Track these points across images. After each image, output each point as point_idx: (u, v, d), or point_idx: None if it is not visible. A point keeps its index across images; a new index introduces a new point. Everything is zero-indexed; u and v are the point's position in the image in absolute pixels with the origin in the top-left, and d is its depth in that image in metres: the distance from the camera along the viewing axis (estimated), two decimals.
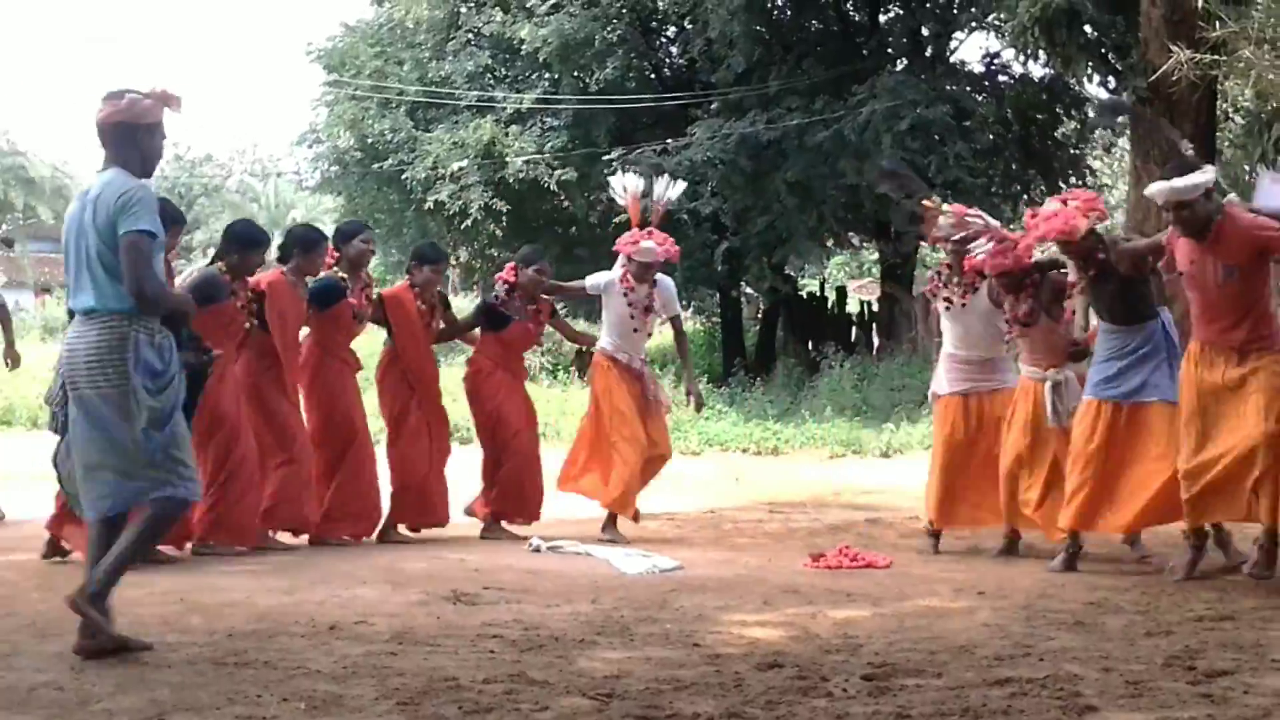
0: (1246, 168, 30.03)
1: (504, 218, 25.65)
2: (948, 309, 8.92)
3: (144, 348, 5.58)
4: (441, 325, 9.87)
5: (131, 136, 5.73)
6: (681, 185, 10.48)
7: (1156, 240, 7.80)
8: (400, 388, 9.68)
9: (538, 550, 8.92)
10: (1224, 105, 21.37)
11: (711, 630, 6.13)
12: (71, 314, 5.79)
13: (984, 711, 4.52)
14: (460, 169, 25.09)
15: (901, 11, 27.22)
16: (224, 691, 4.81)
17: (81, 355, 5.57)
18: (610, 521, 9.65)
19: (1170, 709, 4.54)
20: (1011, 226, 34.46)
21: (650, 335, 10.18)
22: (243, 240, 8.74)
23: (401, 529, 9.61)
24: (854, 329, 29.09)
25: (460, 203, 24.88)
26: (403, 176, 26.06)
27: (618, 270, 9.87)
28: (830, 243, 29.03)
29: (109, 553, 5.51)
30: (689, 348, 10.58)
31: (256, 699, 4.71)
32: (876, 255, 28.86)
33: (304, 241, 9.18)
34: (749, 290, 28.98)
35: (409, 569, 7.98)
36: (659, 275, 9.92)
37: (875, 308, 29.39)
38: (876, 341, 27.25)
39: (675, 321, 10.23)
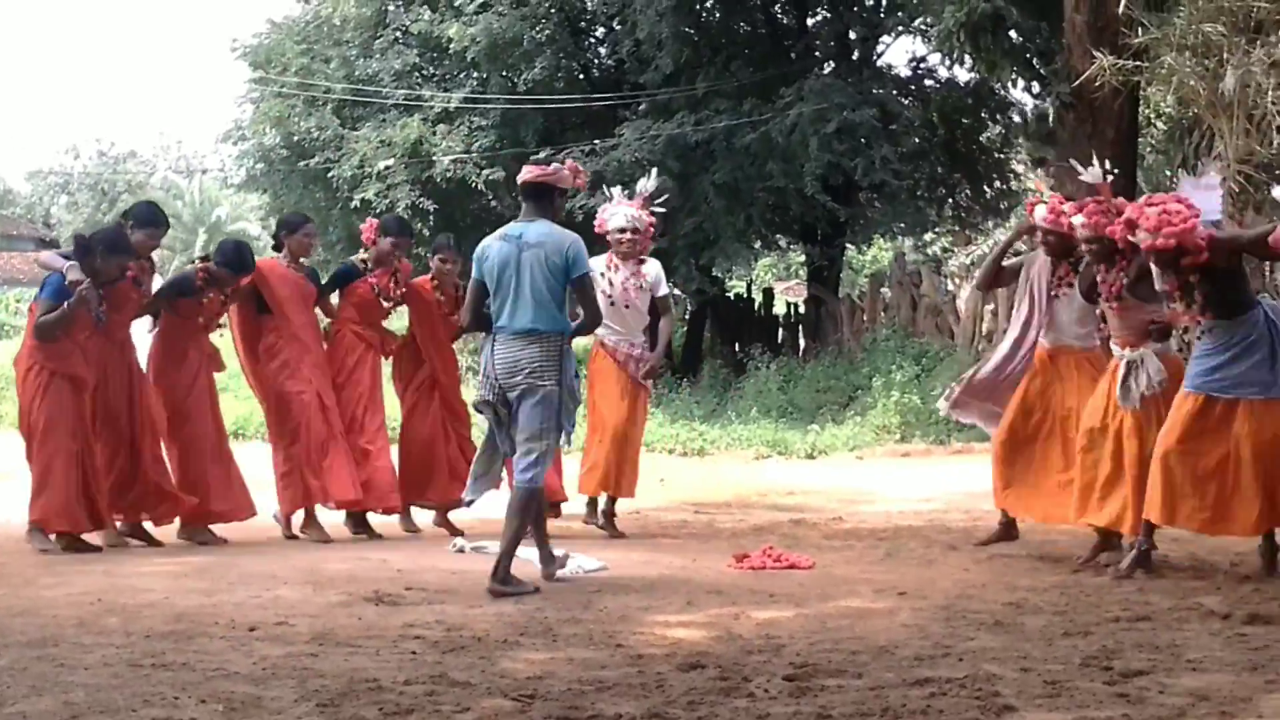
0: (1167, 172, 30.37)
1: (431, 217, 25.52)
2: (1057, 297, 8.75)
3: (570, 359, 7.38)
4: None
5: (550, 196, 7.48)
6: (653, 178, 10.44)
7: (1261, 232, 7.60)
8: (412, 371, 10.31)
9: (461, 551, 8.91)
10: (1146, 111, 21.63)
11: (635, 631, 6.13)
12: (484, 328, 7.46)
13: (904, 711, 4.55)
14: (387, 167, 24.95)
15: (829, 15, 27.37)
16: (140, 694, 4.76)
17: (525, 363, 7.23)
18: (600, 511, 10.11)
19: (1087, 709, 4.58)
20: (936, 231, 34.63)
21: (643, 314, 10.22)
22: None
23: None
24: (780, 330, 29.21)
25: (387, 201, 24.70)
26: (329, 175, 25.89)
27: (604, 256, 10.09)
28: (757, 244, 29.11)
29: (507, 537, 7.23)
30: (668, 328, 10.45)
31: (174, 701, 4.66)
32: (803, 257, 28.97)
33: (289, 224, 10.07)
34: (676, 291, 29.01)
35: (330, 570, 7.92)
36: (648, 258, 10.18)
37: (802, 309, 29.51)
38: (803, 343, 27.35)
39: (661, 301, 10.23)
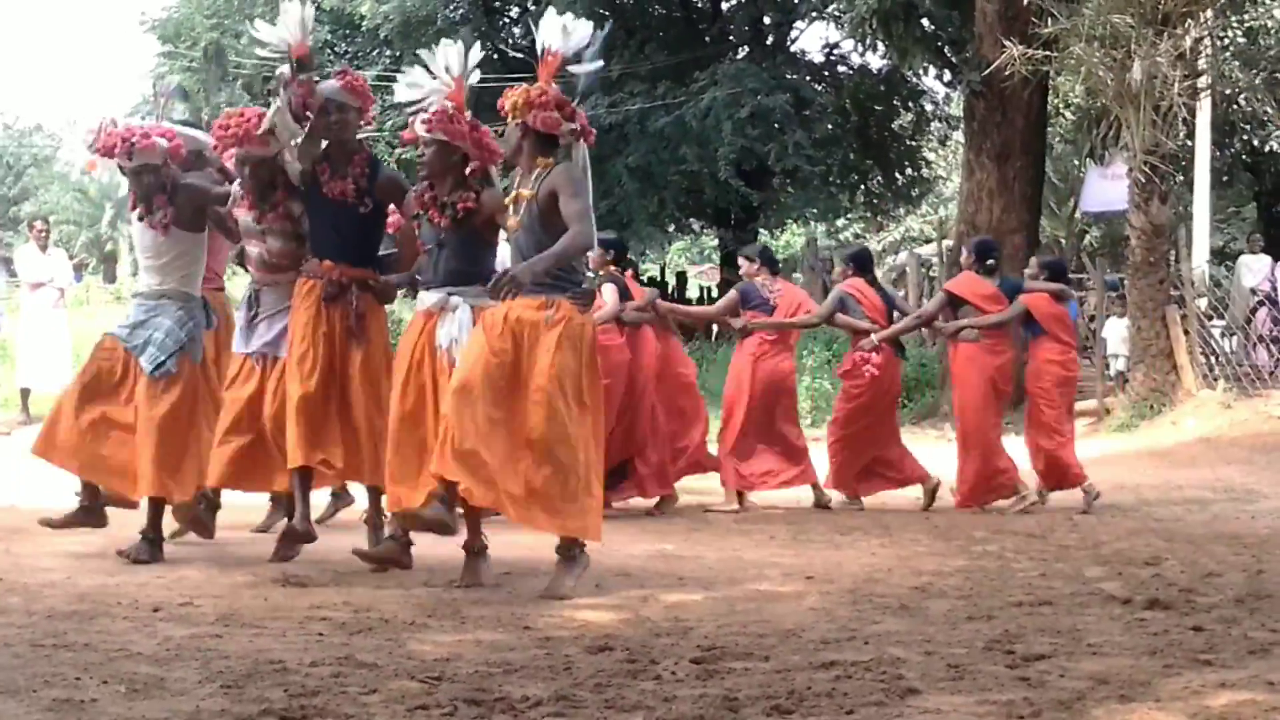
0: (1076, 162, 30.84)
1: None
2: None
3: None
4: None
5: None
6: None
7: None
8: None
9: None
10: (1055, 100, 21.91)
11: (543, 613, 6.12)
12: None
13: (809, 694, 4.58)
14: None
15: (743, 0, 27.42)
16: (41, 674, 4.69)
17: None
18: None
19: (989, 691, 4.63)
20: (849, 217, 34.80)
21: None
22: None
23: None
24: None
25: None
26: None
27: None
28: (671, 228, 29.19)
29: None
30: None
31: (75, 681, 4.60)
32: (717, 241, 29.07)
33: None
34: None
35: (237, 551, 7.85)
36: None
37: (715, 293, 29.58)
38: (715, 327, 27.38)
39: None
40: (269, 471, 7.61)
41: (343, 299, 7.31)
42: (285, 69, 7.42)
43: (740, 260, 11.28)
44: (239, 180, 7.62)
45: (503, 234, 7.24)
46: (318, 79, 7.43)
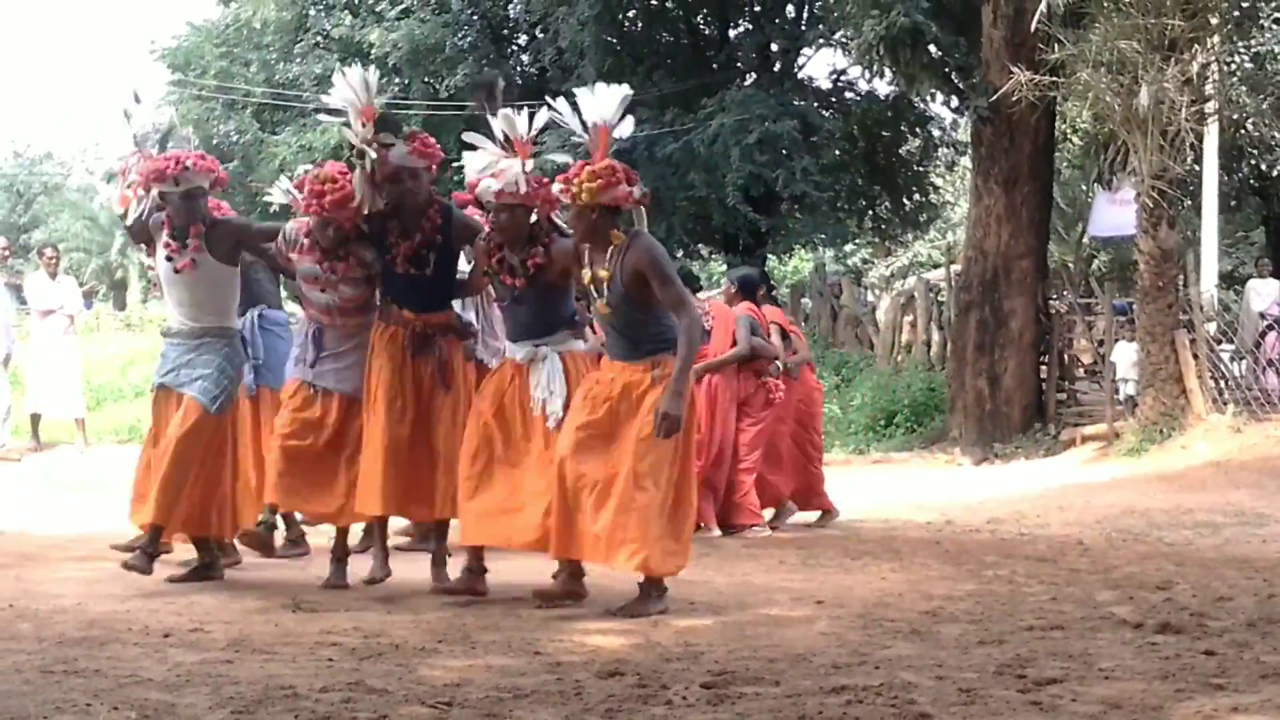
0: (1084, 187, 30.85)
1: None
2: None
3: None
4: None
5: None
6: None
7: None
8: None
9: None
10: (1063, 126, 21.91)
11: (553, 638, 6.12)
12: None
13: (820, 719, 4.57)
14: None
15: (751, 27, 27.49)
16: (52, 700, 4.70)
17: None
18: None
19: (1001, 716, 4.63)
20: (857, 242, 34.83)
21: None
22: None
23: None
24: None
25: None
26: (248, 180, 25.72)
27: None
28: (679, 254, 29.19)
29: None
30: None
31: (86, 708, 4.61)
32: (725, 267, 29.08)
33: None
34: None
35: (247, 576, 7.86)
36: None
37: None
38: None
39: None
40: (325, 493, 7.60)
41: (428, 350, 7.32)
42: (353, 132, 7.35)
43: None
44: (316, 236, 7.46)
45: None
46: (391, 141, 7.33)
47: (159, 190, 7.46)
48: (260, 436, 8.47)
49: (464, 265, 7.68)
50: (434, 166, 7.51)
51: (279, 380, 8.37)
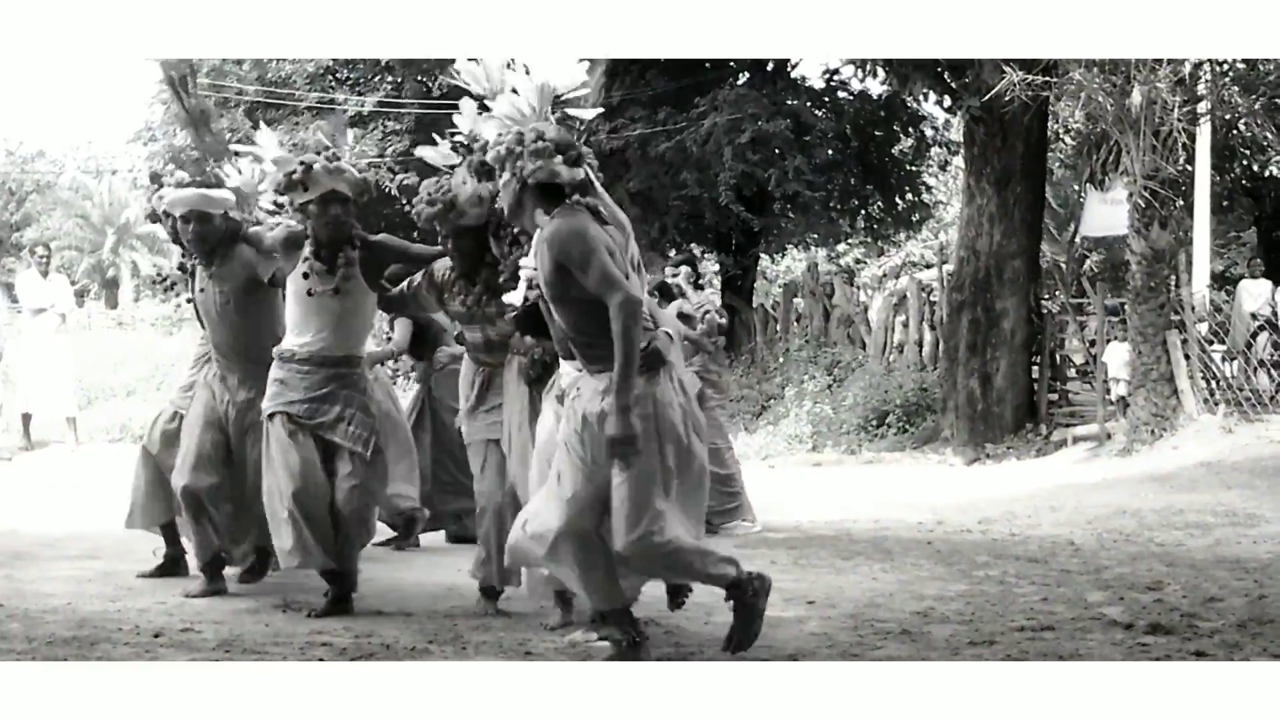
0: (1076, 187, 30.85)
1: None
2: None
3: None
4: None
5: None
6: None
7: None
8: None
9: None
10: (1055, 126, 21.89)
11: (545, 640, 6.12)
12: None
13: None
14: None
15: None
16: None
17: None
18: None
19: None
20: (849, 241, 34.78)
21: None
22: None
23: None
24: None
25: None
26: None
27: None
28: (672, 253, 29.18)
29: None
30: None
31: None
32: (717, 266, 29.09)
33: None
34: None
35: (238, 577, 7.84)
36: None
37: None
38: None
39: None
40: None
41: (548, 378, 6.46)
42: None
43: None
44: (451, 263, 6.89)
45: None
46: None
47: (296, 201, 6.95)
48: None
49: None
50: None
51: None
